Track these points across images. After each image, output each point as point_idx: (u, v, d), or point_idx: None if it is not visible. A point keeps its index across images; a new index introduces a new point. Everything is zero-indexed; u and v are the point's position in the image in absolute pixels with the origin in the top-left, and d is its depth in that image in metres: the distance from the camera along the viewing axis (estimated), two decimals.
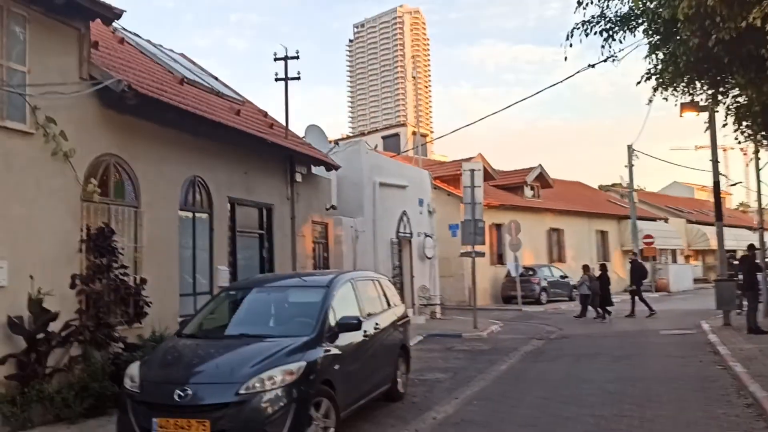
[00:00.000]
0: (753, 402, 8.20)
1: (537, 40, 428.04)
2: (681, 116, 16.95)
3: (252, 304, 7.90)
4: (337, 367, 6.95)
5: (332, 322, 7.24)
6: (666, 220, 42.91)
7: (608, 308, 21.10)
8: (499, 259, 29.72)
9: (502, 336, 17.48)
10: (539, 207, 32.69)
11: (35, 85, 7.69)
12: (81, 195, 8.54)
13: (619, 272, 37.89)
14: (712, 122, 16.19)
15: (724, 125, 9.80)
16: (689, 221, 45.43)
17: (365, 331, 7.93)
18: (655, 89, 8.42)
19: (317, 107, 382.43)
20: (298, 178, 14.32)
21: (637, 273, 22.24)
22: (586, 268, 22.31)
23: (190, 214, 11.06)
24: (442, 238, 24.77)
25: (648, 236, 34.64)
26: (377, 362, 8.40)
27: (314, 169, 15.96)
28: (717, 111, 10.02)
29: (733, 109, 9.87)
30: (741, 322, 15.73)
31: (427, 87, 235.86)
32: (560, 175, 40.21)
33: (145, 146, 9.97)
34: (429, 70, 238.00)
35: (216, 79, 15.47)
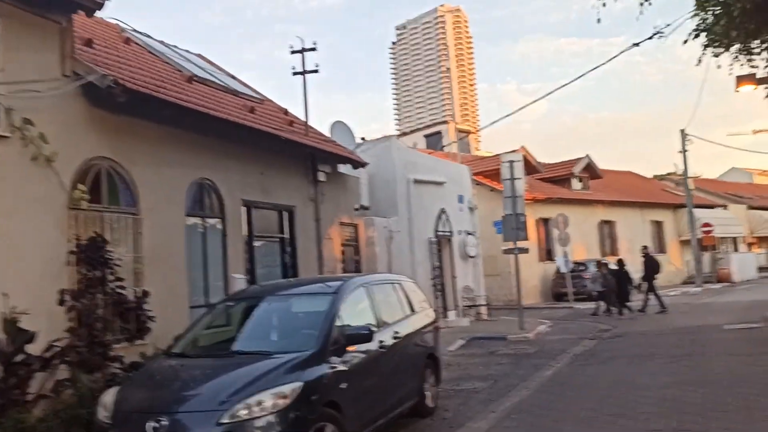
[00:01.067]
0: None
1: (581, 32, 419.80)
2: (737, 90, 15.43)
3: (251, 316, 7.06)
4: (344, 385, 6.05)
5: (339, 333, 6.34)
6: (725, 207, 40.65)
7: (627, 304, 20.17)
8: (548, 255, 28.38)
9: (550, 337, 16.30)
10: (588, 199, 31.16)
11: (6, 83, 7.02)
12: (67, 202, 7.85)
13: (677, 264, 36.01)
14: None
15: None
16: (750, 207, 43.01)
17: (381, 342, 7.02)
18: (706, 47, 7.26)
19: (365, 113, 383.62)
20: (322, 177, 13.49)
21: (650, 267, 21.20)
22: (600, 264, 21.38)
23: (199, 220, 10.33)
24: (487, 236, 23.63)
25: (706, 224, 32.77)
26: (399, 376, 7.47)
27: (341, 168, 15.13)
28: None
29: None
30: None
31: (472, 85, 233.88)
32: (612, 166, 38.41)
33: (144, 148, 9.26)
34: (473, 68, 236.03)
35: (234, 78, 14.80)
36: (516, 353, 13.63)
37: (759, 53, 7.83)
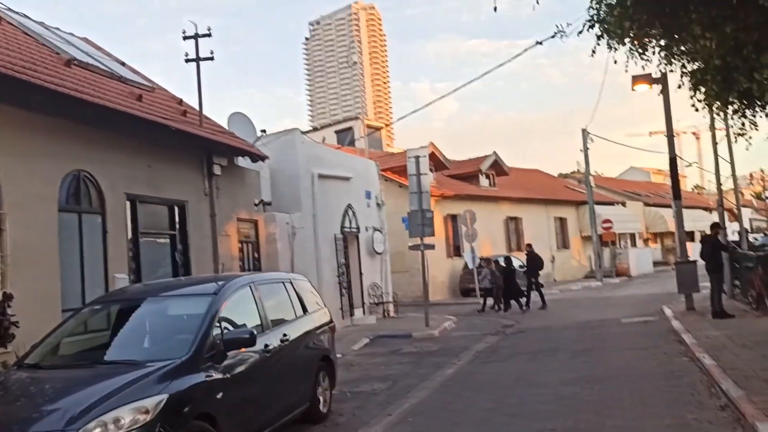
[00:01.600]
0: (727, 403, 7.00)
1: (492, 34, 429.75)
2: (633, 89, 15.86)
3: (122, 320, 6.42)
4: (221, 395, 5.53)
5: (217, 338, 5.81)
6: (624, 204, 42.27)
7: (521, 300, 20.44)
8: (456, 251, 28.51)
9: (455, 333, 16.21)
10: (495, 196, 31.58)
11: None
12: None
13: (580, 260, 37.10)
14: (665, 92, 15.15)
15: (679, 87, 8.57)
16: (647, 204, 44.96)
17: (267, 346, 6.53)
18: (599, 37, 7.16)
19: (278, 109, 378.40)
20: (217, 171, 12.80)
21: (533, 264, 21.58)
22: (487, 261, 21.65)
23: (75, 216, 9.47)
24: (395, 232, 23.43)
25: (607, 221, 33.87)
26: (288, 381, 7.00)
27: (240, 162, 14.46)
28: (672, 71, 8.77)
29: (689, 73, 8.68)
30: (704, 306, 14.73)
31: (386, 83, 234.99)
32: (520, 165, 39.03)
33: (10, 136, 8.38)
34: (387, 66, 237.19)
35: (123, 64, 13.85)
36: (419, 351, 13.40)
37: (653, 49, 7.82)
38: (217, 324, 5.97)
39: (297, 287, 8.00)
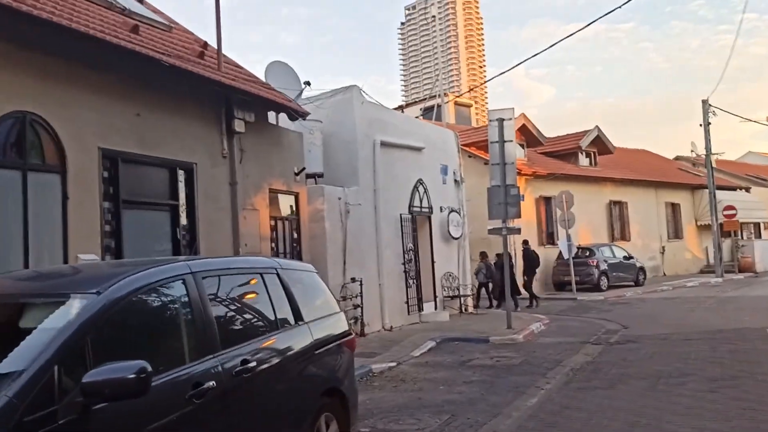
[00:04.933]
0: None
1: (588, 17, 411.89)
2: None
3: None
4: None
5: (73, 381, 3.05)
6: (747, 190, 37.01)
7: (515, 297, 18.06)
8: (550, 239, 24.94)
9: (543, 339, 12.97)
10: (597, 176, 27.63)
11: None
12: None
13: (695, 252, 32.51)
14: None
15: None
16: None
17: (198, 387, 3.71)
18: None
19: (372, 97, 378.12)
20: (239, 127, 10.10)
21: (529, 261, 19.54)
22: (483, 255, 19.25)
23: (16, 174, 6.97)
24: (478, 215, 20.19)
25: (729, 207, 29.23)
26: None
27: (279, 122, 11.80)
28: None
29: None
30: None
31: (481, 67, 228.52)
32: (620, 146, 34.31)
33: None
34: (483, 52, 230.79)
35: (141, 2, 11.39)
36: (495, 365, 10.31)
37: None
38: (91, 351, 3.20)
39: (287, 282, 5.11)
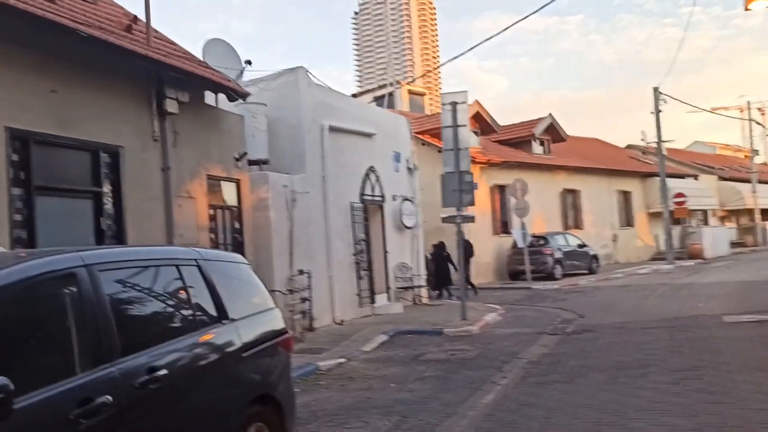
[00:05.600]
0: None
1: (540, 10, 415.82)
2: (747, 8, 11.84)
3: None
4: None
5: None
6: (696, 177, 37.49)
7: (449, 288, 18.83)
8: (504, 228, 24.67)
9: (499, 330, 12.54)
10: (550, 164, 27.47)
11: None
12: None
13: (646, 239, 32.72)
14: None
15: None
16: (722, 178, 39.98)
17: (88, 403, 3.04)
18: None
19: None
20: (172, 108, 9.31)
21: (464, 252, 18.48)
22: (438, 245, 19.42)
23: None
24: (432, 204, 19.70)
25: (679, 194, 29.44)
26: None
27: (220, 103, 11.04)
28: None
29: None
30: None
31: (435, 58, 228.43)
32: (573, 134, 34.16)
33: None
34: (437, 42, 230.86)
35: None
36: (449, 359, 9.81)
37: None
38: None
39: (210, 275, 4.44)
